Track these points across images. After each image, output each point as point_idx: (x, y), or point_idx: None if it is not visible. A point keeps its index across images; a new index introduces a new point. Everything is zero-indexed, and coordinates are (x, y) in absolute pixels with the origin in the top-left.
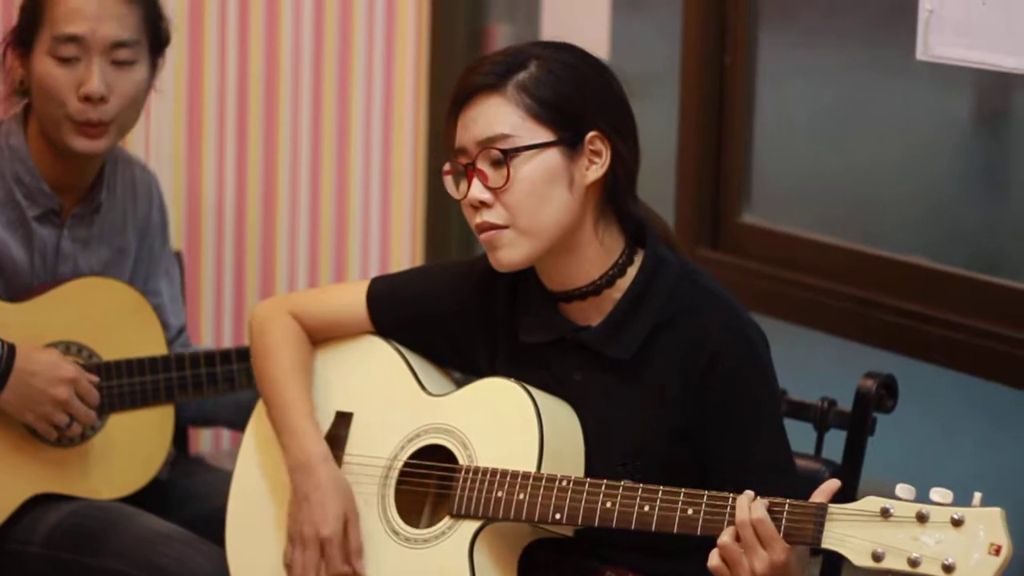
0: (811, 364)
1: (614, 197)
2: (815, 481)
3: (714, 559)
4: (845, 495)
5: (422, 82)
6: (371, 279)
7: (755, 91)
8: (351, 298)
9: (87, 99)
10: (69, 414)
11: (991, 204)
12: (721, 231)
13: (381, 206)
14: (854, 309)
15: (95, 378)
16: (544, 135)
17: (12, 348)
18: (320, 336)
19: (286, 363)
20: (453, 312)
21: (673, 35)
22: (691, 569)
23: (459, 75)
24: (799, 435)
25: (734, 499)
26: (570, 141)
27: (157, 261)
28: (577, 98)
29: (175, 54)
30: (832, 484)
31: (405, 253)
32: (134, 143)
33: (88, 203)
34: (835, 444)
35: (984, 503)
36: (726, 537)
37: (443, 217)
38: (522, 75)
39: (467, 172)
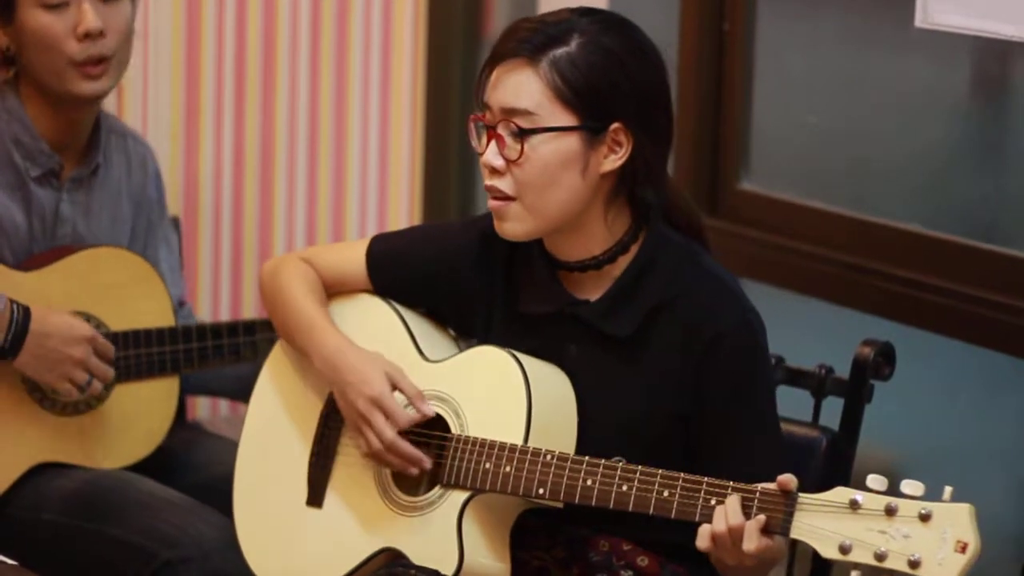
0: (807, 331)
1: (629, 185)
2: (813, 448)
3: (704, 541)
4: (842, 463)
5: (420, 46)
6: (372, 237)
7: (754, 58)
8: (353, 256)
9: (87, 36)
10: (88, 372)
11: (988, 172)
12: (719, 198)
13: (378, 177)
14: (851, 276)
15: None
16: (566, 119)
17: (27, 311)
18: (326, 290)
19: (303, 291)
20: (452, 274)
21: (672, 1)
22: (684, 539)
23: (507, 27)
24: (796, 402)
25: (707, 483)
26: (592, 129)
27: (155, 232)
28: (608, 88)
29: (173, 20)
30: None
31: (403, 224)
32: (132, 110)
33: (85, 165)
34: (832, 411)
35: (955, 498)
36: (721, 527)
37: (441, 185)
38: (560, 51)
39: (488, 132)
